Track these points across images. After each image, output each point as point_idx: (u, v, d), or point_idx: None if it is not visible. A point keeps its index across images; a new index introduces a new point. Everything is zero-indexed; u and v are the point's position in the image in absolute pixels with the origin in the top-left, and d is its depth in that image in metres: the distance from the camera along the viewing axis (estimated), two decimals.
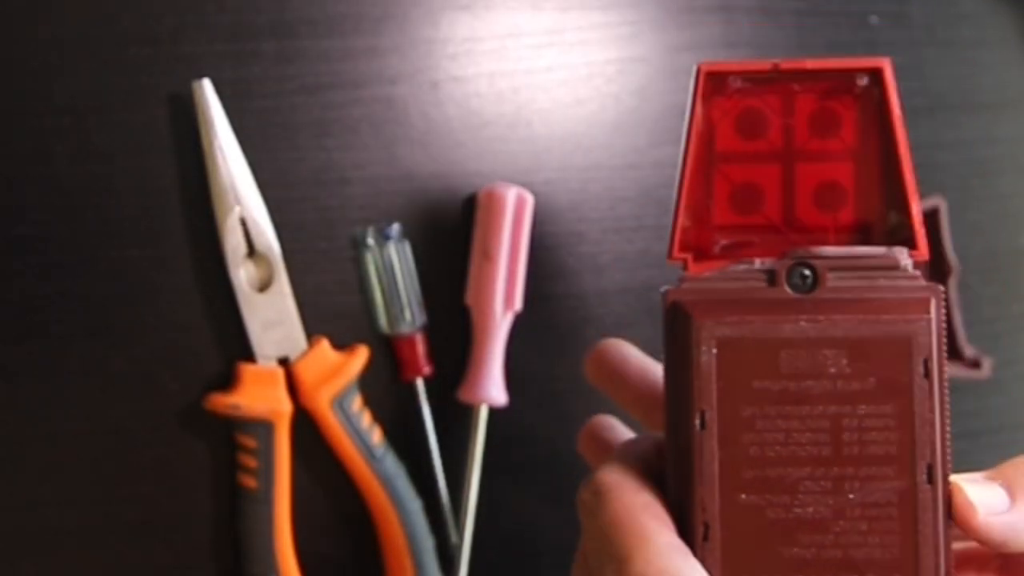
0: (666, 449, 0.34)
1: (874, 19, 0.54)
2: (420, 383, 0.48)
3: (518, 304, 0.48)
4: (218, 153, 0.44)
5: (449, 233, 0.48)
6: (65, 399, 0.44)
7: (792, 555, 0.31)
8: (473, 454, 0.48)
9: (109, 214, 0.44)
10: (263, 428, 0.44)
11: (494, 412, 0.48)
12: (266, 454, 0.45)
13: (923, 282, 0.33)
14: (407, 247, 0.47)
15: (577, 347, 0.50)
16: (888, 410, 0.32)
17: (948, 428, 0.33)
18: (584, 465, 0.51)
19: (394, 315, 0.47)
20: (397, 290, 0.47)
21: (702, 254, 0.36)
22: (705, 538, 0.32)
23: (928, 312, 0.32)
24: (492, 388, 0.48)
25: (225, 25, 0.45)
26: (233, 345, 0.45)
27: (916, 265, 0.34)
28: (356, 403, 0.46)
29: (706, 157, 0.37)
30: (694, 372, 0.32)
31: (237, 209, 0.44)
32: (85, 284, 0.44)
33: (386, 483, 0.46)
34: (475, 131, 0.48)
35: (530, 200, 0.48)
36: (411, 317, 0.47)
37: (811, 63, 0.36)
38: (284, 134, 0.46)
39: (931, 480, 0.32)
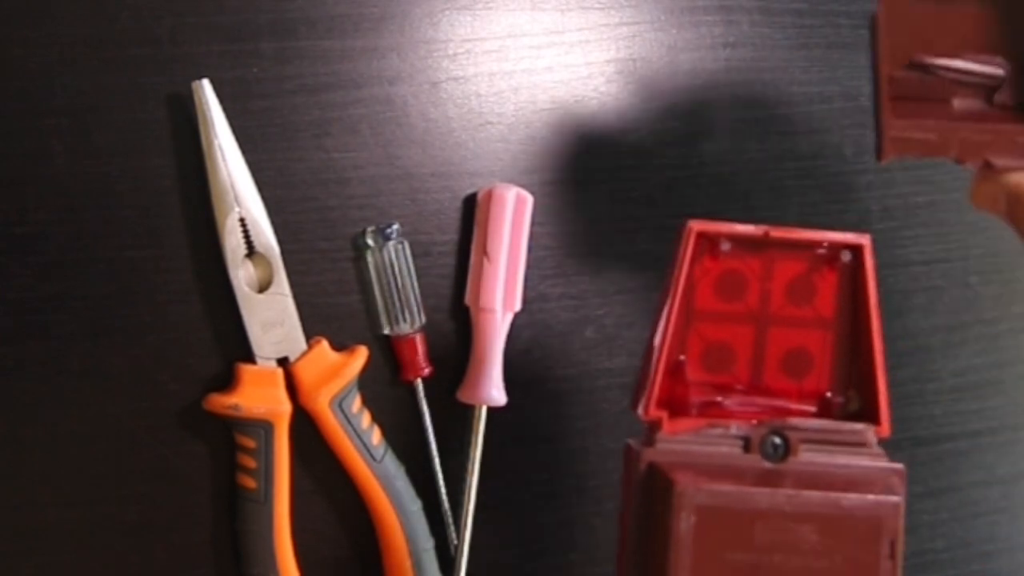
0: None
1: None
2: (420, 383, 0.48)
3: (518, 304, 0.48)
4: (218, 153, 0.44)
5: (449, 233, 0.48)
6: (65, 399, 0.44)
7: None
8: (473, 454, 0.48)
9: (109, 214, 0.44)
10: (263, 428, 0.44)
11: (494, 412, 0.48)
12: (266, 454, 0.45)
13: (887, 462, 0.35)
14: (407, 247, 0.47)
15: (577, 347, 0.50)
16: None
17: None
18: (585, 463, 0.51)
19: (394, 315, 0.47)
20: (397, 290, 0.47)
21: (676, 412, 0.36)
22: None
23: (896, 494, 0.33)
24: (492, 388, 0.48)
25: (225, 25, 0.45)
26: (233, 345, 0.45)
27: (880, 442, 0.36)
28: (356, 403, 0.46)
29: (686, 314, 0.38)
30: (672, 539, 0.32)
31: (237, 209, 0.44)
32: (85, 284, 0.44)
33: (386, 483, 0.46)
34: (475, 131, 0.48)
35: (530, 200, 0.48)
36: (411, 317, 0.47)
37: (800, 234, 0.37)
38: (284, 134, 0.46)
39: None
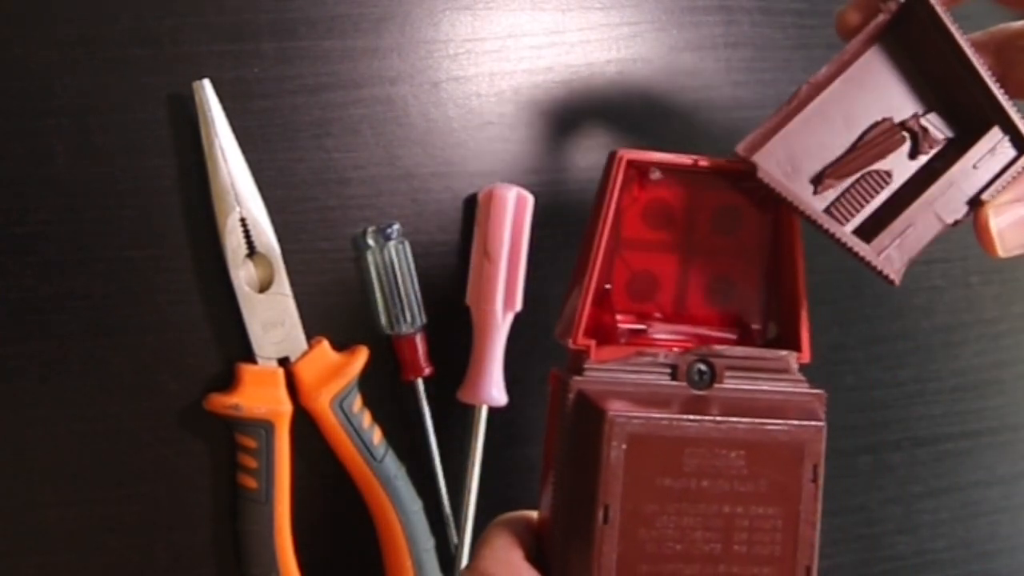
0: (556, 533, 0.35)
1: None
2: (420, 383, 0.48)
3: (518, 304, 0.48)
4: (218, 153, 0.44)
5: (449, 233, 0.48)
6: (65, 399, 0.44)
7: None
8: (473, 454, 0.48)
9: (109, 214, 0.44)
10: (263, 428, 0.44)
11: (494, 412, 0.48)
12: (266, 454, 0.45)
13: (809, 387, 0.35)
14: (407, 247, 0.47)
15: None
16: (776, 512, 0.33)
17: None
18: None
19: (394, 315, 0.47)
20: (397, 290, 0.47)
21: (602, 340, 0.36)
22: None
23: (819, 419, 0.33)
24: (492, 388, 0.48)
25: (225, 25, 0.45)
26: (233, 345, 0.45)
27: (802, 368, 0.36)
28: (356, 403, 0.46)
29: (612, 242, 0.38)
30: (603, 467, 0.32)
31: (237, 209, 0.44)
32: (85, 284, 0.44)
33: (386, 483, 0.46)
34: (475, 131, 0.48)
35: (530, 200, 0.48)
36: (411, 317, 0.47)
37: (729, 163, 0.36)
38: (284, 134, 0.46)
39: None
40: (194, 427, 0.45)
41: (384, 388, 0.48)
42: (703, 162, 0.37)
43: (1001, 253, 0.35)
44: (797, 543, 0.33)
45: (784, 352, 0.36)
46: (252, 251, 0.45)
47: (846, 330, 0.54)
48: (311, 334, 0.46)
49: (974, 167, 0.36)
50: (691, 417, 0.33)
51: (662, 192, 0.38)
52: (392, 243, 0.47)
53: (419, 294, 0.47)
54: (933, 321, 0.56)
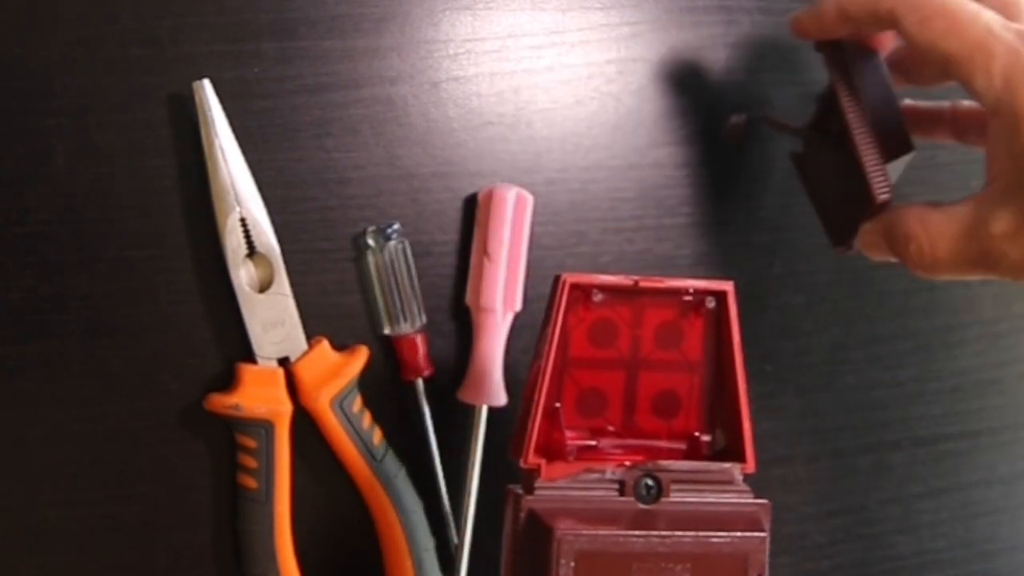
0: None
1: None
2: (420, 383, 0.48)
3: (518, 304, 0.48)
4: (218, 153, 0.44)
5: (450, 233, 0.48)
6: (65, 399, 0.44)
7: None
8: (473, 454, 0.48)
9: (109, 214, 0.44)
10: (263, 428, 0.44)
11: (494, 412, 0.48)
12: (266, 454, 0.45)
13: (752, 498, 0.36)
14: (408, 247, 0.47)
15: None
16: None
17: None
18: None
19: (395, 315, 0.47)
20: (398, 290, 0.47)
21: (553, 457, 0.37)
22: None
23: (763, 530, 0.35)
24: (492, 388, 0.47)
25: (225, 25, 0.45)
26: (233, 345, 0.45)
27: (746, 478, 0.37)
28: (356, 403, 0.46)
29: (561, 362, 0.39)
30: None
31: (237, 209, 0.44)
32: (85, 284, 0.44)
33: (386, 484, 0.46)
34: (475, 131, 0.48)
35: (530, 200, 0.48)
36: (412, 317, 0.47)
37: (667, 282, 0.38)
38: (284, 134, 0.46)
39: None
40: (194, 427, 0.45)
41: (384, 388, 0.48)
42: (643, 282, 0.38)
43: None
44: None
45: (728, 464, 0.37)
46: (252, 251, 0.45)
47: (846, 330, 0.54)
48: (311, 334, 0.46)
49: None
50: (637, 533, 0.34)
51: (606, 312, 0.40)
52: (392, 243, 0.47)
53: (419, 294, 0.47)
54: (933, 321, 0.56)
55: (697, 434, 0.40)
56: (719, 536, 0.34)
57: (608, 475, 0.36)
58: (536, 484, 0.36)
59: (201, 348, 0.45)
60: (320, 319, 0.46)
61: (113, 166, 0.44)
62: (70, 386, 0.44)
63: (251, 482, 0.45)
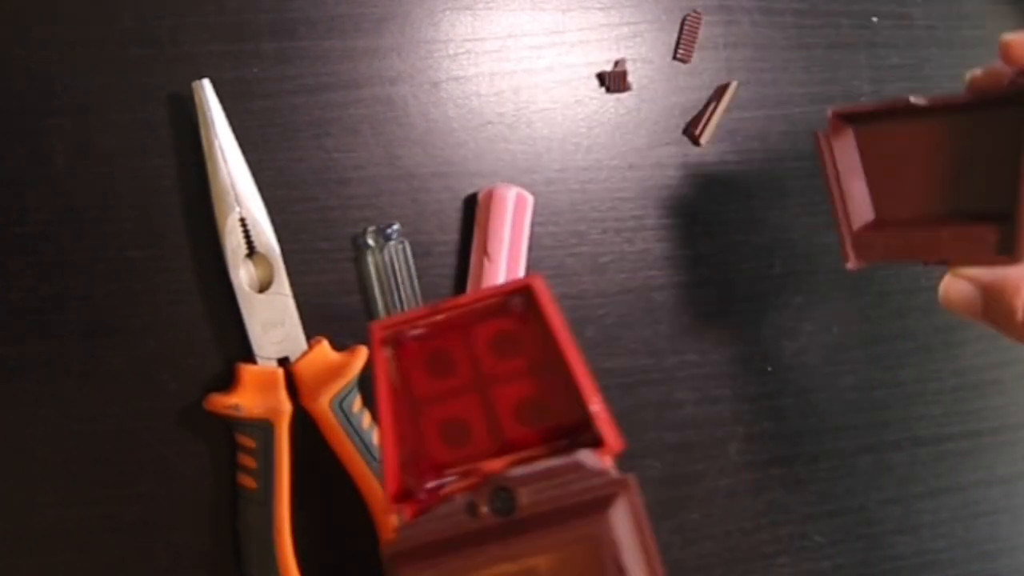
0: None
1: (874, 19, 0.54)
2: None
3: None
4: (218, 153, 0.44)
5: (450, 233, 0.48)
6: (65, 399, 0.44)
7: None
8: None
9: (109, 214, 0.44)
10: (263, 428, 0.44)
11: None
12: (266, 454, 0.45)
13: (610, 476, 0.33)
14: (408, 247, 0.47)
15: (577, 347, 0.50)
16: None
17: None
18: None
19: (394, 315, 0.47)
20: (398, 290, 0.47)
21: (408, 499, 0.35)
22: None
23: (610, 507, 0.32)
24: None
25: (225, 25, 0.45)
26: (233, 345, 0.45)
27: (615, 456, 0.34)
28: (356, 403, 0.46)
29: (407, 405, 0.37)
30: None
31: (237, 209, 0.44)
32: (85, 284, 0.44)
33: None
34: (475, 131, 0.48)
35: (530, 200, 0.48)
36: None
37: (464, 299, 0.36)
38: (284, 134, 0.46)
39: None
40: (194, 427, 0.45)
41: None
42: (443, 306, 0.37)
43: (942, 303, 0.43)
44: None
45: (576, 453, 0.35)
46: (252, 251, 0.45)
47: (846, 330, 0.54)
48: (311, 334, 0.46)
49: (963, 240, 0.43)
50: (481, 549, 0.32)
51: (434, 344, 0.38)
52: (392, 243, 0.47)
53: (419, 294, 0.47)
54: (933, 321, 0.56)
55: (574, 427, 0.38)
56: (568, 525, 0.32)
57: (457, 502, 0.34)
58: (400, 529, 0.34)
59: (201, 348, 0.45)
60: (320, 319, 0.46)
61: (113, 166, 0.44)
62: (70, 386, 0.44)
63: (251, 482, 0.45)
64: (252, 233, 0.44)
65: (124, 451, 0.45)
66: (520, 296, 0.37)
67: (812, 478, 0.54)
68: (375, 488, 0.46)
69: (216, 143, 0.44)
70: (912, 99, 0.42)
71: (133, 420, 0.45)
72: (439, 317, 0.37)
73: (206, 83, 0.43)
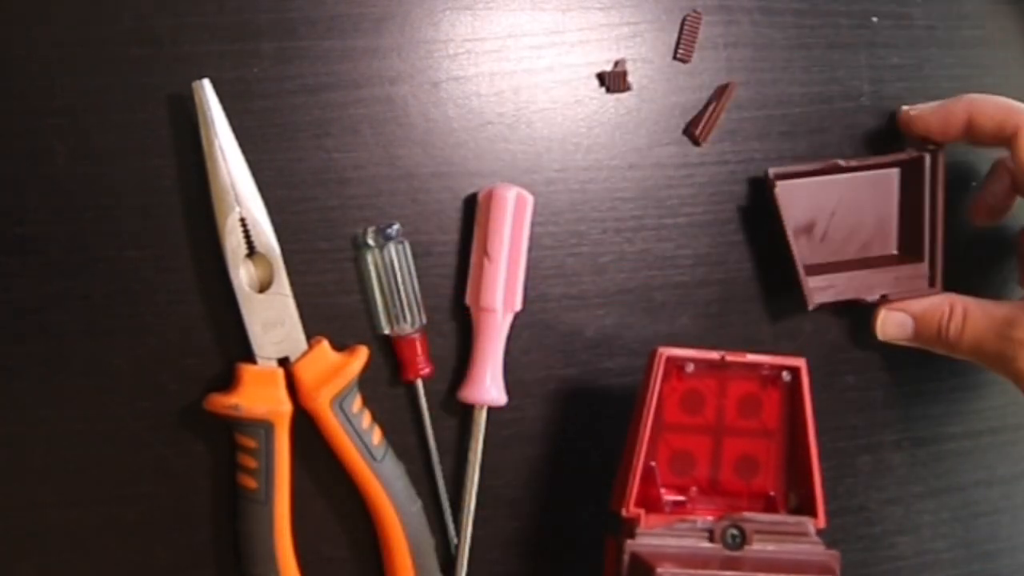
0: None
1: (874, 19, 0.54)
2: (420, 383, 0.48)
3: (518, 304, 0.48)
4: (218, 153, 0.44)
5: (449, 233, 0.48)
6: (65, 399, 0.44)
7: None
8: (473, 454, 0.48)
9: (109, 214, 0.44)
10: (263, 428, 0.44)
11: (494, 412, 0.48)
12: (266, 454, 0.45)
13: (824, 548, 0.42)
14: (407, 247, 0.47)
15: (577, 347, 0.50)
16: None
17: None
18: (585, 463, 0.51)
19: (394, 315, 0.47)
20: (397, 290, 0.47)
21: (650, 509, 0.43)
22: None
23: (835, 574, 0.41)
24: (492, 388, 0.47)
25: (225, 25, 0.45)
26: (233, 345, 0.45)
27: (818, 532, 0.43)
28: (356, 403, 0.46)
29: (656, 426, 0.45)
30: None
31: (237, 209, 0.44)
32: (85, 284, 0.44)
33: (386, 483, 0.46)
34: (475, 131, 0.48)
35: (530, 200, 0.48)
36: (411, 317, 0.47)
37: (749, 358, 0.44)
38: (284, 134, 0.46)
39: None
40: (194, 427, 0.45)
41: (384, 388, 0.48)
42: (729, 357, 0.44)
43: (879, 336, 0.51)
44: None
45: (803, 518, 0.43)
46: (252, 251, 0.45)
47: (846, 330, 0.54)
48: (311, 334, 0.46)
49: (895, 278, 0.51)
50: (726, 574, 0.40)
51: (696, 383, 0.45)
52: (392, 243, 0.47)
53: (419, 294, 0.47)
54: None
55: (773, 493, 0.46)
56: None
57: (699, 524, 0.42)
58: (637, 531, 0.42)
59: (201, 348, 0.45)
60: (320, 319, 0.46)
61: (113, 166, 0.44)
62: (70, 386, 0.44)
63: (251, 482, 0.45)
64: (252, 233, 0.44)
65: (124, 451, 0.45)
66: (789, 372, 0.45)
67: None
68: (375, 488, 0.46)
69: (216, 143, 0.44)
70: (840, 162, 0.51)
71: (133, 420, 0.45)
72: (719, 362, 0.44)
73: (206, 83, 0.43)
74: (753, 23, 0.52)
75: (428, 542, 0.47)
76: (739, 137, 0.52)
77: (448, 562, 0.48)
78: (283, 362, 0.45)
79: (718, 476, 0.45)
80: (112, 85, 0.44)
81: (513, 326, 0.48)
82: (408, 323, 0.47)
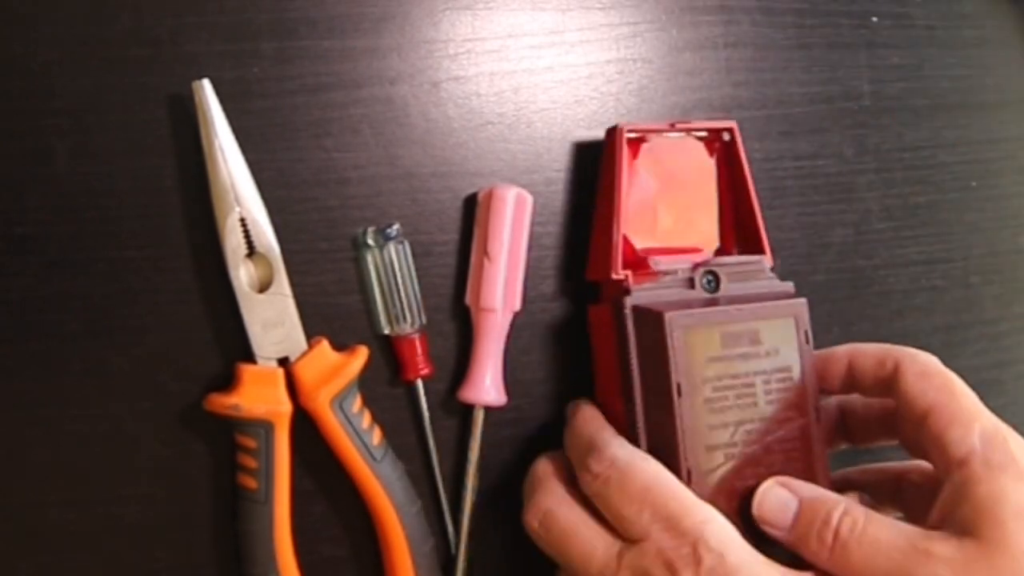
0: (629, 419, 0.44)
1: (874, 19, 0.54)
2: (420, 383, 0.48)
3: (518, 304, 0.48)
4: (218, 153, 0.44)
5: (449, 233, 0.48)
6: (65, 399, 0.44)
7: (744, 486, 0.43)
8: (472, 454, 0.48)
9: (109, 214, 0.44)
10: (263, 428, 0.44)
11: (494, 412, 0.48)
12: (266, 454, 0.45)
13: (780, 282, 0.46)
14: (407, 247, 0.47)
15: (577, 347, 0.50)
16: (788, 368, 0.44)
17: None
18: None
19: (394, 315, 0.47)
20: (397, 290, 0.47)
21: (635, 270, 0.46)
22: (689, 481, 0.42)
23: (800, 298, 0.45)
24: (492, 388, 0.47)
25: (225, 25, 0.45)
26: (233, 345, 0.45)
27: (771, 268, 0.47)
28: (356, 403, 0.46)
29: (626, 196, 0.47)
30: (669, 354, 0.42)
31: (237, 209, 0.44)
32: (85, 284, 0.44)
33: (386, 484, 0.46)
34: (475, 131, 0.48)
35: (530, 200, 0.48)
36: (411, 317, 0.47)
37: (695, 123, 0.48)
38: (284, 134, 0.46)
39: (818, 419, 0.44)
40: (194, 427, 0.45)
41: (384, 388, 0.48)
42: (679, 125, 0.48)
43: (755, 511, 0.42)
44: (806, 391, 0.44)
45: (760, 256, 0.47)
46: (252, 251, 0.45)
47: (846, 330, 0.54)
48: (311, 334, 0.46)
49: None
50: (720, 309, 0.43)
51: (654, 154, 0.48)
52: (392, 243, 0.47)
53: (419, 294, 0.47)
54: (933, 321, 0.56)
55: (723, 245, 0.49)
56: (774, 303, 0.44)
57: (680, 275, 0.45)
58: (631, 289, 0.45)
59: (201, 348, 0.45)
60: (320, 319, 0.46)
61: (113, 166, 0.44)
62: (70, 386, 0.44)
63: (251, 482, 0.45)
64: (252, 233, 0.44)
65: (124, 451, 0.45)
66: (728, 133, 0.48)
67: None
68: (375, 488, 0.46)
69: (216, 143, 0.44)
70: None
71: (133, 420, 0.45)
72: (670, 128, 0.48)
73: (206, 83, 0.43)
74: (753, 23, 0.52)
75: (428, 542, 0.47)
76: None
77: (448, 562, 0.48)
78: (283, 362, 0.45)
79: (673, 236, 0.49)
80: (112, 85, 0.44)
81: (513, 326, 0.48)
82: (408, 323, 0.47)
